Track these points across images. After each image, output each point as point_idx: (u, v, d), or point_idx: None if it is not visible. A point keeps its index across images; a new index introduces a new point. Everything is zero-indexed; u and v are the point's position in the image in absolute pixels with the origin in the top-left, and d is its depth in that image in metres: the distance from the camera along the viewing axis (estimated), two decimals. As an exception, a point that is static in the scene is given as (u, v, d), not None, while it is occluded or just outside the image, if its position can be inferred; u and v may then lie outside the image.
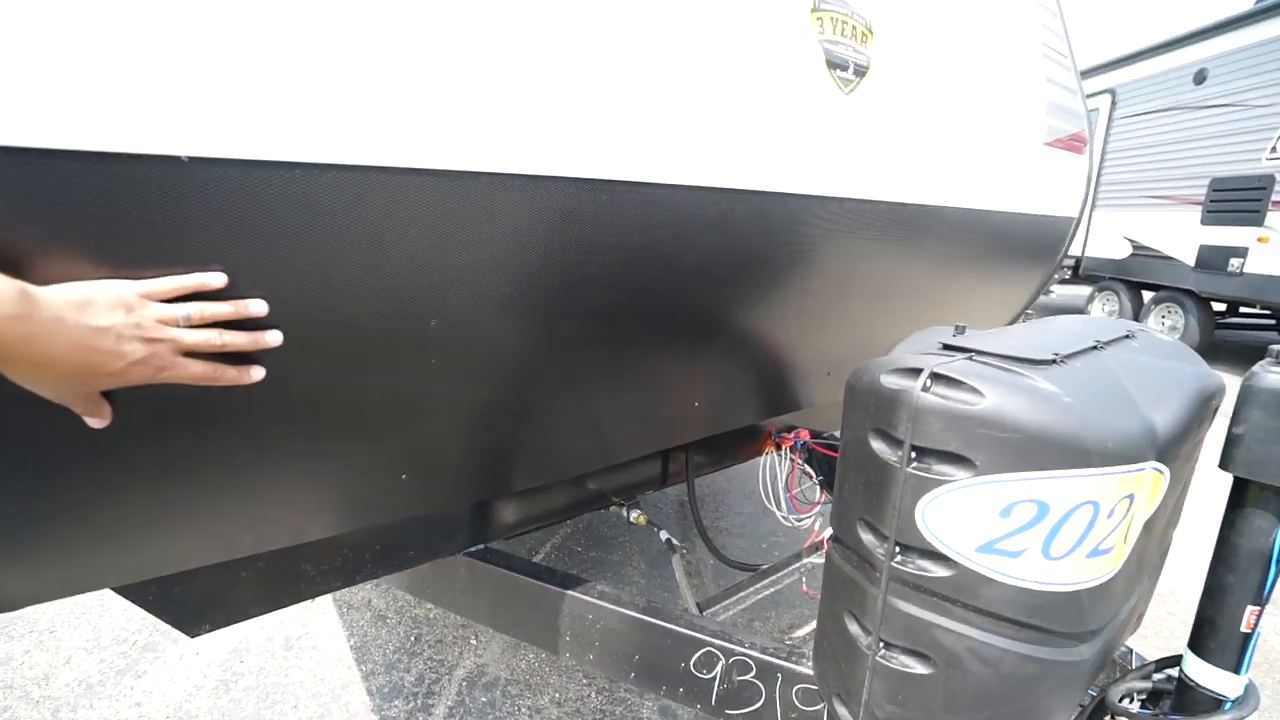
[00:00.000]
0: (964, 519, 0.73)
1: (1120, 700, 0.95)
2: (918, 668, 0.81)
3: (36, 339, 0.53)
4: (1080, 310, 8.44)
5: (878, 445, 0.80)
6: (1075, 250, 8.23)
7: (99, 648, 2.02)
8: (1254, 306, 6.48)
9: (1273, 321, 6.98)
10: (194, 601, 1.04)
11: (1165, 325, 7.05)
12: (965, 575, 0.75)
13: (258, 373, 0.70)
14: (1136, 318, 7.39)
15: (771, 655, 1.07)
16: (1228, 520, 0.83)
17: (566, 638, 1.26)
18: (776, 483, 1.99)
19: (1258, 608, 0.81)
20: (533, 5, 0.78)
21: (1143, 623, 1.08)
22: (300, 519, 0.92)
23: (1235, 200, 5.95)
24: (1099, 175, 7.85)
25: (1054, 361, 0.78)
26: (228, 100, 0.60)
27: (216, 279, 0.65)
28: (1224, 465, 0.80)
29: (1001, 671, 0.77)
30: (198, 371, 0.65)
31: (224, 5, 0.59)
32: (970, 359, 0.79)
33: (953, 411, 0.71)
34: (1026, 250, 1.99)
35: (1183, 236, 6.61)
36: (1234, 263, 5.95)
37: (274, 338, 0.70)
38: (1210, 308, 6.60)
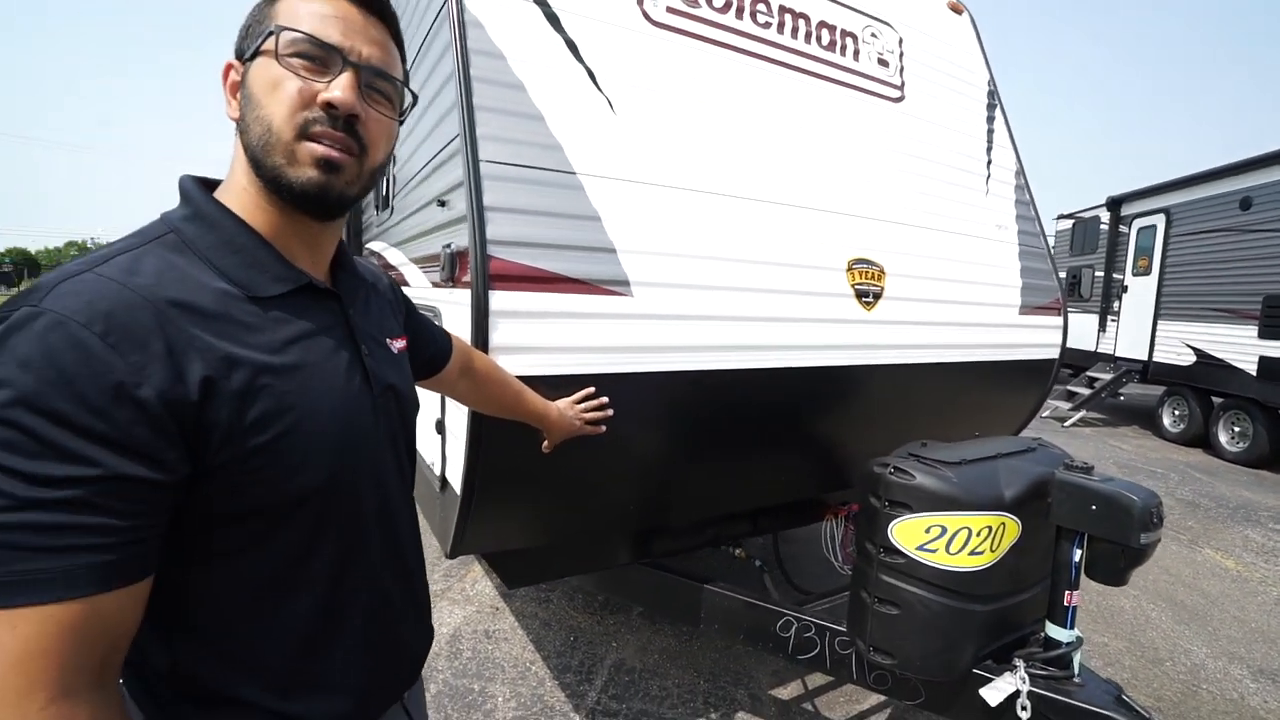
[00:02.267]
0: (909, 534, 1.60)
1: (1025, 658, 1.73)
2: (893, 611, 1.65)
3: (560, 421, 1.50)
4: (1151, 411, 8.66)
5: (871, 499, 1.69)
6: (1142, 355, 8.58)
7: (367, 628, 3.01)
8: (1320, 417, 6.69)
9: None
10: (515, 569, 2.00)
11: (1235, 431, 7.29)
12: (912, 562, 1.60)
13: (603, 428, 1.61)
14: (1206, 422, 7.64)
15: (823, 620, 1.92)
16: (1055, 548, 1.64)
17: (702, 614, 2.13)
18: (834, 541, 2.81)
19: (1072, 591, 1.61)
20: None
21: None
22: (588, 524, 1.88)
23: (1288, 317, 6.37)
24: (1159, 288, 8.32)
25: (959, 463, 1.66)
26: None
27: (591, 388, 1.59)
28: (1047, 518, 1.63)
29: (933, 612, 1.60)
30: (590, 430, 1.58)
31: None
32: (916, 459, 1.67)
33: (901, 483, 1.60)
34: (1017, 382, 2.81)
35: (1243, 348, 6.98)
36: (1293, 375, 6.29)
37: (610, 411, 1.61)
38: (1277, 415, 6.84)
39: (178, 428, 0.59)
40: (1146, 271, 8.67)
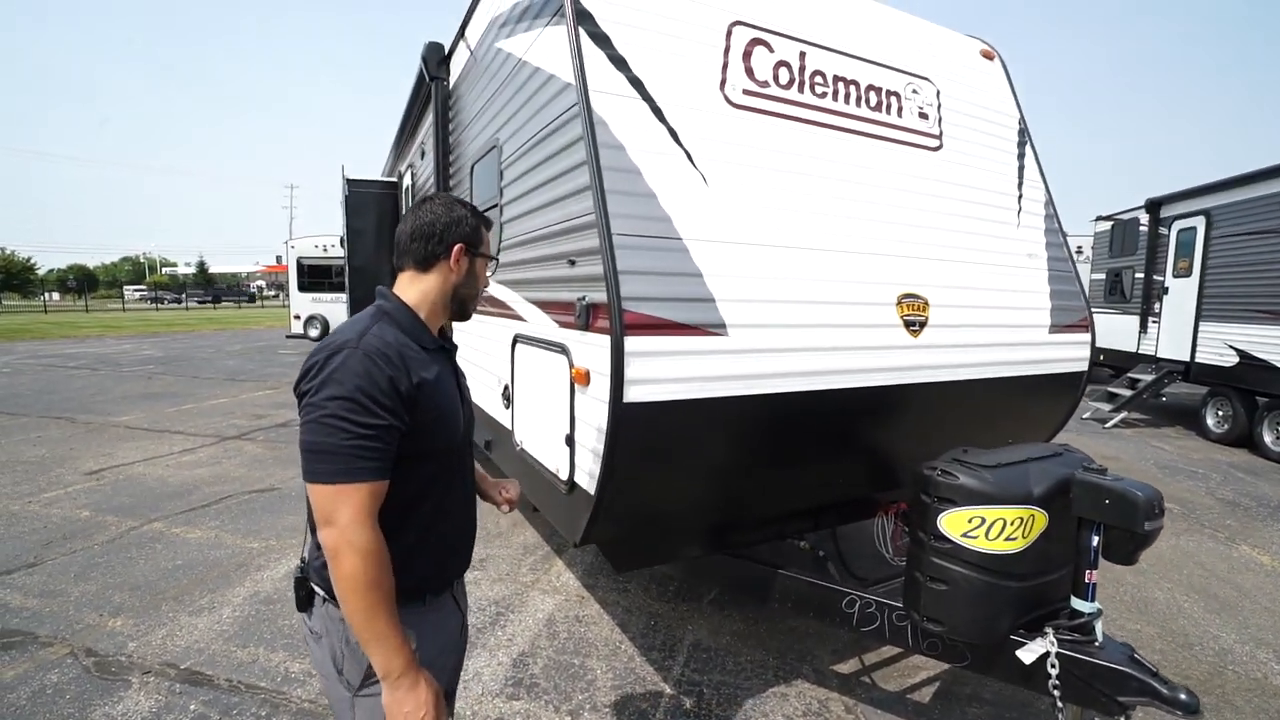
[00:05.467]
0: (955, 524, 1.98)
1: (1054, 626, 2.08)
2: (942, 587, 2.03)
3: (486, 493, 1.92)
4: (1194, 411, 8.73)
5: (922, 496, 2.07)
6: (1184, 356, 8.66)
7: (471, 613, 3.48)
8: (1365, 417, 6.74)
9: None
10: (623, 556, 2.43)
11: (1280, 431, 7.36)
12: (957, 547, 1.98)
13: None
14: (1250, 422, 7.71)
15: (882, 597, 2.30)
16: (1077, 536, 1.99)
17: (777, 595, 2.53)
18: (885, 535, 3.18)
19: (1092, 570, 1.96)
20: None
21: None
22: (688, 519, 2.30)
23: (1328, 319, 6.45)
24: (1200, 289, 8.40)
25: (995, 466, 2.03)
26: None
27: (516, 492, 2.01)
28: (1073, 510, 1.99)
29: (975, 587, 1.98)
30: (493, 500, 1.70)
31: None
32: (959, 463, 2.05)
33: (947, 483, 1.98)
34: (1049, 393, 3.14)
35: (1288, 349, 7.08)
36: (1336, 377, 6.38)
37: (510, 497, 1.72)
38: (1322, 416, 6.92)
39: (406, 405, 1.19)
40: (1187, 273, 8.74)
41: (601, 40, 2.14)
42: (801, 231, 2.33)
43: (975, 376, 2.72)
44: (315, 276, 16.76)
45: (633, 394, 1.86)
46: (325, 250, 16.34)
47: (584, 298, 2.05)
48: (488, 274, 1.46)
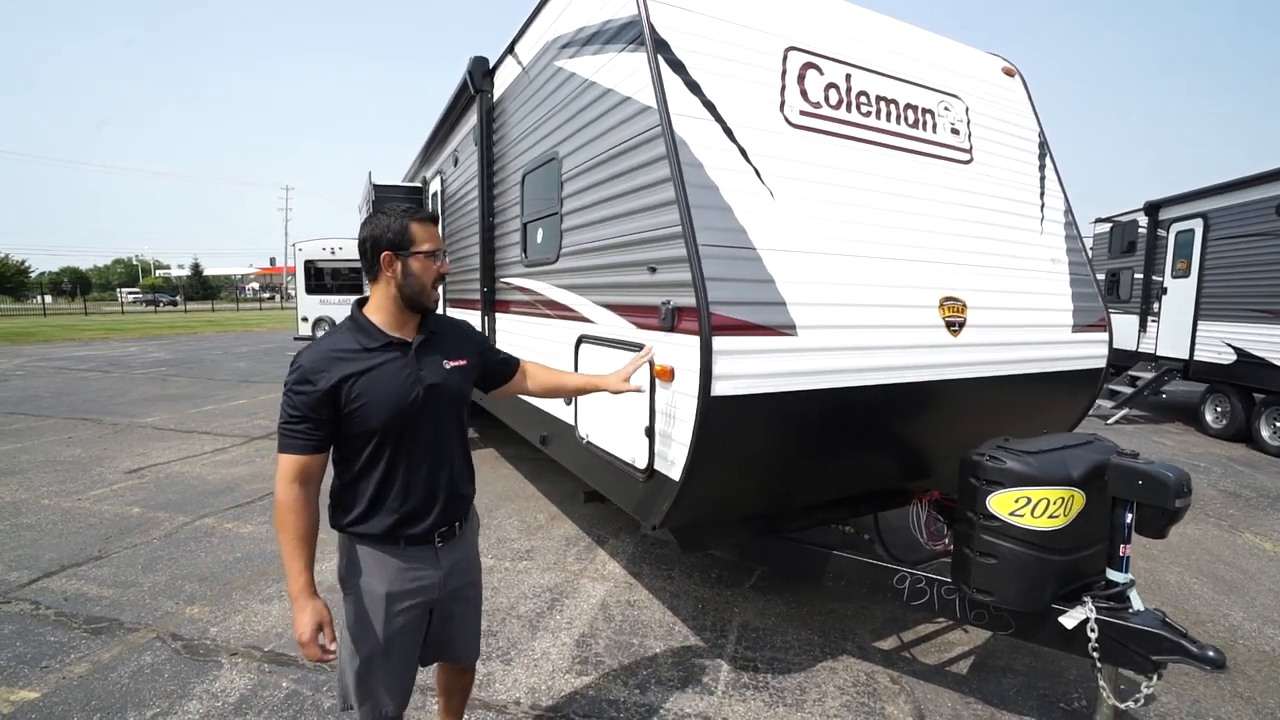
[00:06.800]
0: (1002, 503, 2.20)
1: (1092, 595, 2.31)
2: (991, 561, 2.25)
3: (605, 384, 2.16)
4: (1194, 407, 9.02)
5: (971, 480, 2.29)
6: (1183, 354, 8.94)
7: (528, 598, 3.69)
8: (1359, 412, 7.01)
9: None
10: (690, 539, 2.64)
11: (1277, 426, 7.64)
12: (1005, 524, 2.21)
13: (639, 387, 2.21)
14: (1248, 418, 7.99)
15: (931, 573, 2.52)
16: (1111, 514, 2.22)
17: (830, 574, 2.75)
18: (919, 521, 3.41)
19: (1126, 544, 2.19)
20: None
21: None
22: (753, 503, 2.51)
23: (1323, 318, 6.73)
24: (1199, 289, 8.69)
25: (1037, 452, 2.25)
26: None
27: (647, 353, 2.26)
28: (1109, 491, 2.21)
29: (1021, 561, 2.20)
30: (627, 389, 2.19)
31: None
32: (1004, 450, 2.27)
33: (995, 467, 2.21)
34: (1071, 386, 3.38)
35: (1285, 347, 7.35)
36: (1331, 373, 6.65)
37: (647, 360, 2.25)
38: (1318, 411, 7.19)
39: (327, 403, 1.52)
40: (1186, 274, 9.02)
41: (678, 67, 2.36)
42: (854, 240, 2.55)
43: (1006, 373, 2.95)
44: (323, 278, 16.90)
45: (719, 388, 2.08)
46: (334, 252, 16.48)
47: (668, 302, 2.27)
48: (437, 263, 1.66)
